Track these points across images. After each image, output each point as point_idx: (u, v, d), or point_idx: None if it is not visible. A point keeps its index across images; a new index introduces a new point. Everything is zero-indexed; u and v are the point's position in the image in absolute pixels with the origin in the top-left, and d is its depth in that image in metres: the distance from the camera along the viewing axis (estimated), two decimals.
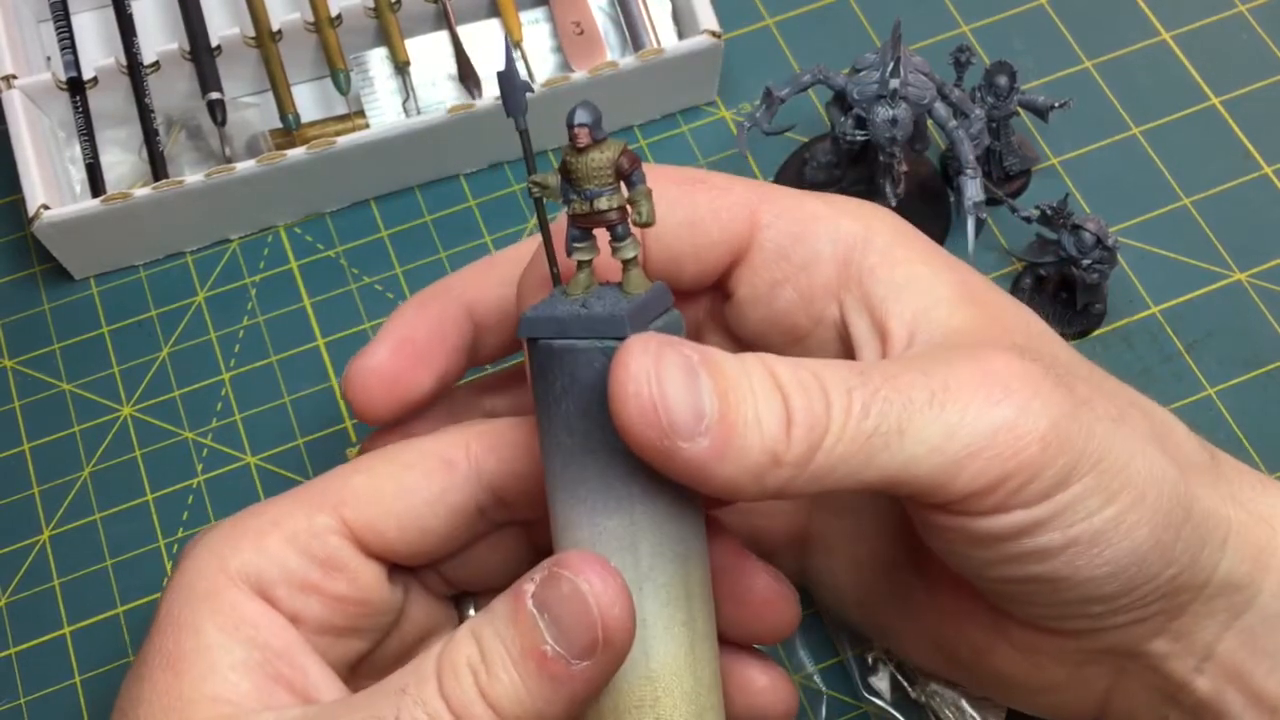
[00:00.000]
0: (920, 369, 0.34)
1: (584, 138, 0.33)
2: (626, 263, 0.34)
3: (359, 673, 0.39)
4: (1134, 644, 0.38)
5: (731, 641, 0.39)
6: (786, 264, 0.39)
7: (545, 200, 0.34)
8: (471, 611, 0.42)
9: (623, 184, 0.34)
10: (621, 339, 0.32)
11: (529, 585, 0.33)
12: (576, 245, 0.34)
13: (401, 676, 0.33)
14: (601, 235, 0.34)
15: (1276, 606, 0.37)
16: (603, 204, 0.33)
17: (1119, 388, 0.39)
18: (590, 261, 0.34)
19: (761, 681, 0.40)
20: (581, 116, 0.33)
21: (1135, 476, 0.34)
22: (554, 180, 0.34)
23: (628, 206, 0.34)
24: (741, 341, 0.41)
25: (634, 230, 0.34)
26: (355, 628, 0.38)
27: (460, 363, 0.42)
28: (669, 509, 0.34)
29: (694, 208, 0.39)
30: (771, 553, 0.42)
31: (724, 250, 0.39)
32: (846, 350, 0.39)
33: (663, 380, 0.31)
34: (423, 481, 0.38)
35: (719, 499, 0.35)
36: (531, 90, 0.34)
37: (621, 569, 0.33)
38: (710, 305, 0.42)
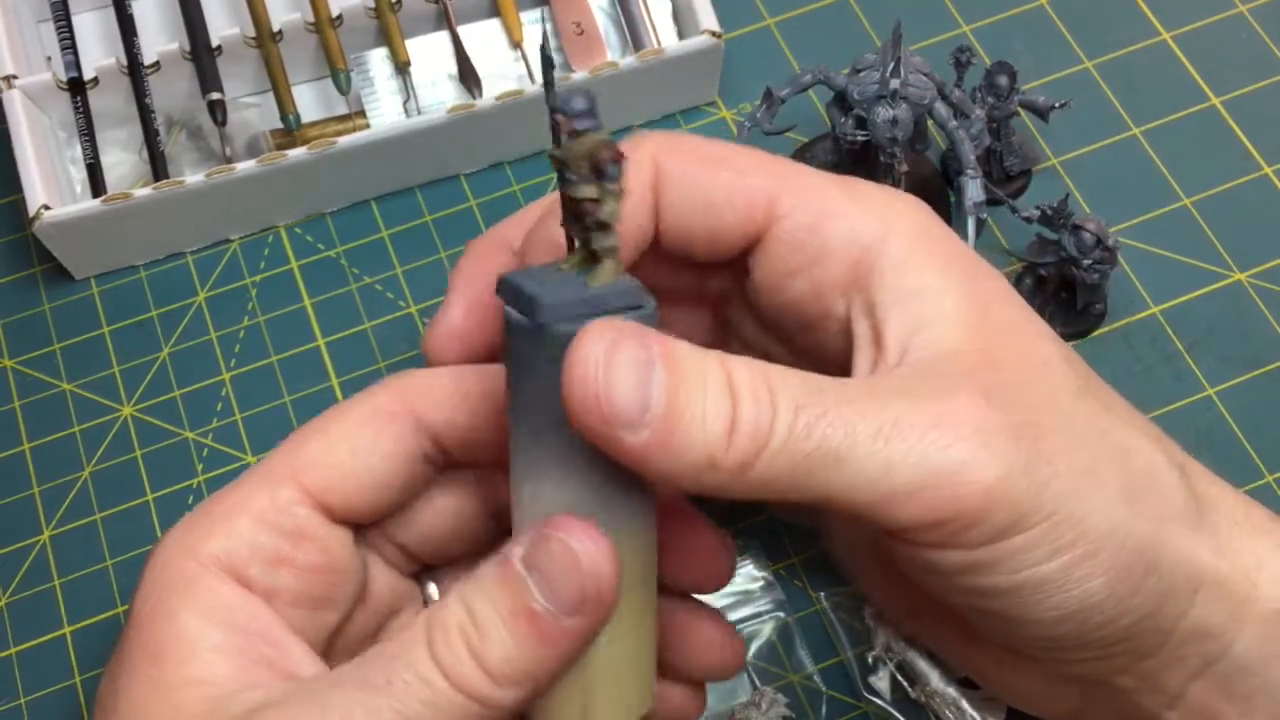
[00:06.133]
0: (880, 399, 0.34)
1: (579, 125, 0.33)
2: (601, 251, 0.34)
3: (334, 650, 0.40)
4: (1101, 676, 0.38)
5: (676, 591, 0.40)
6: (800, 256, 0.38)
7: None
8: (432, 588, 0.42)
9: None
10: (626, 310, 0.33)
11: (517, 549, 0.33)
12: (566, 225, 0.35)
13: (389, 645, 0.34)
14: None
15: (1251, 656, 0.37)
16: (583, 192, 0.33)
17: (1107, 433, 0.37)
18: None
19: (717, 636, 0.41)
20: (577, 104, 0.33)
21: (1091, 531, 0.35)
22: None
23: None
24: (760, 317, 0.41)
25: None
26: (328, 596, 0.39)
27: None
28: (639, 480, 0.35)
29: (711, 191, 0.39)
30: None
31: (738, 236, 0.39)
32: (852, 347, 0.39)
33: (611, 368, 0.31)
34: (376, 438, 0.38)
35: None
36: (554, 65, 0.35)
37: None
38: (735, 277, 0.42)
